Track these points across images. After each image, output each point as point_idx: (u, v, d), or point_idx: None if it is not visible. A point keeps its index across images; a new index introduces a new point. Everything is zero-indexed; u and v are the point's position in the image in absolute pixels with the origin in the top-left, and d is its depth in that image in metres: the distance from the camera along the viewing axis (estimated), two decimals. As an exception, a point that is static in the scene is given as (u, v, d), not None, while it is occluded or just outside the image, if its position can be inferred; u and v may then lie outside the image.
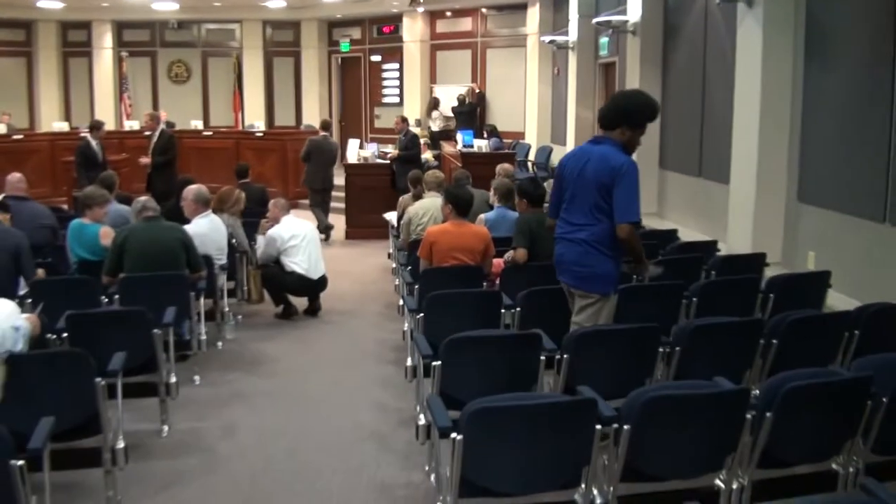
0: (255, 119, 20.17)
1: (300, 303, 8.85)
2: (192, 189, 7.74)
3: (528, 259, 6.58)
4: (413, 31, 20.39)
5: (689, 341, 4.74)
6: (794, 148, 8.03)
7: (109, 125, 19.85)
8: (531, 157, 16.66)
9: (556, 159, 16.00)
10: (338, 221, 14.66)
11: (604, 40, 14.00)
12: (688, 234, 9.67)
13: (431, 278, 6.56)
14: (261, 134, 17.95)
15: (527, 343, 4.68)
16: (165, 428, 5.63)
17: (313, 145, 13.63)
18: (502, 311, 5.77)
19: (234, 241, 8.35)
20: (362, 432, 5.70)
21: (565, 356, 4.62)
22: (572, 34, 14.79)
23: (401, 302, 8.04)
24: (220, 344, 7.63)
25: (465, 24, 20.03)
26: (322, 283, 8.75)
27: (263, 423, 5.87)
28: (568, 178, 5.19)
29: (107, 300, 6.28)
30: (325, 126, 14.47)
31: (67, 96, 22.68)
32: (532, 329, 4.88)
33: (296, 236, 8.48)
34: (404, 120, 14.19)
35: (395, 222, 10.99)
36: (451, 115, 19.49)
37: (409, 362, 6.15)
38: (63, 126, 19.14)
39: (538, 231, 6.64)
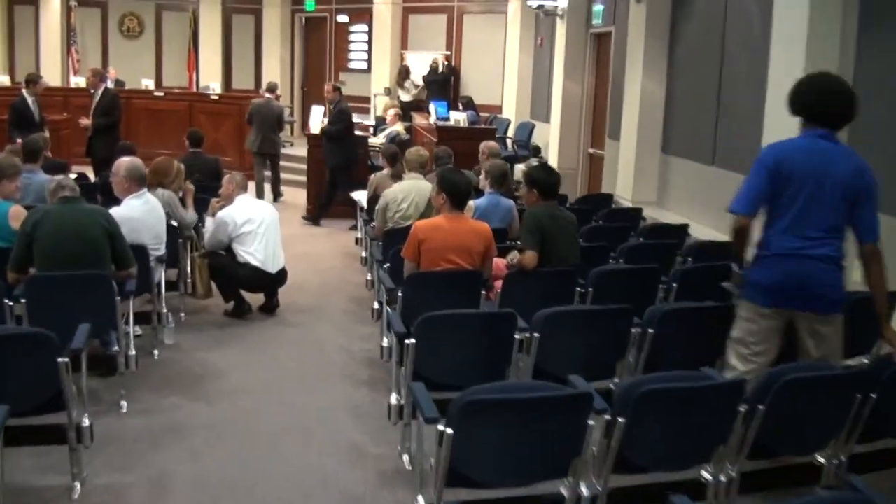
0: (210, 81, 18.68)
1: (255, 298, 7.54)
2: (123, 163, 6.30)
3: (538, 263, 5.37)
4: (385, -8, 18.98)
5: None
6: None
7: (55, 80, 18.40)
8: (510, 133, 15.37)
9: (539, 137, 14.74)
10: (297, 197, 13.39)
11: (598, 8, 12.74)
12: (700, 231, 8.53)
13: (418, 285, 5.33)
14: (216, 97, 16.55)
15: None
16: (77, 485, 4.25)
17: (255, 108, 13.08)
18: (516, 336, 4.53)
19: (173, 222, 7.04)
20: (330, 491, 4.44)
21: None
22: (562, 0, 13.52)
23: (375, 305, 6.82)
24: (156, 352, 6.28)
25: (444, -14, 18.69)
26: (281, 277, 7.45)
27: (204, 472, 4.56)
28: (799, 178, 4.14)
29: (11, 304, 4.92)
30: (271, 88, 13.86)
31: (12, 48, 21.09)
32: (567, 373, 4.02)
33: (251, 221, 7.16)
34: (336, 89, 12.63)
35: (364, 203, 9.72)
36: (422, 84, 18.17)
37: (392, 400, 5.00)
38: (4, 80, 17.64)
39: (551, 229, 5.46)
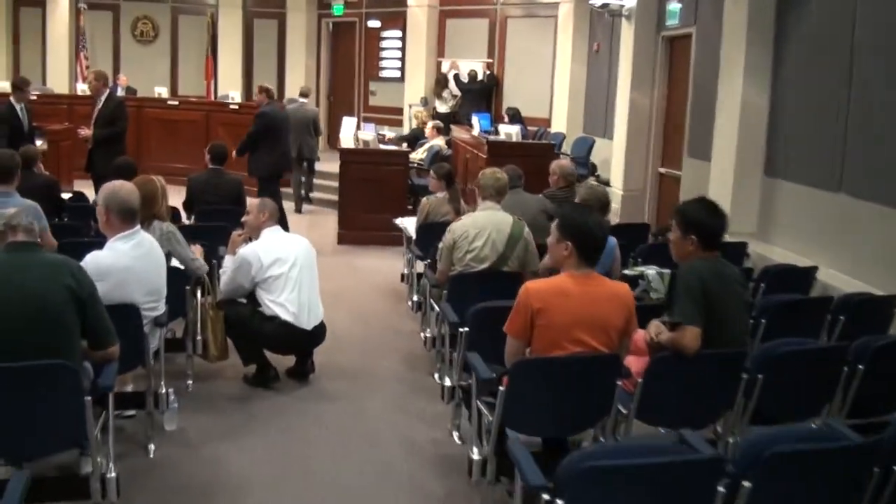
0: (230, 89, 17.11)
1: (283, 360, 5.89)
2: (107, 189, 4.53)
3: (702, 344, 3.71)
4: (420, -6, 17.37)
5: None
6: None
7: (62, 87, 16.86)
8: (566, 149, 13.69)
9: (598, 154, 13.07)
10: (327, 219, 11.82)
11: (674, 7, 11.07)
12: (827, 275, 6.89)
13: (526, 377, 3.66)
14: (236, 107, 14.94)
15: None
16: None
17: (289, 112, 12.30)
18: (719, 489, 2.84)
19: (175, 262, 5.45)
20: None
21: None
22: (630, -1, 11.89)
23: (447, 382, 5.17)
24: (151, 447, 4.62)
25: (485, -13, 17.05)
26: (318, 335, 5.78)
27: None
28: None
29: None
30: (304, 93, 13.78)
31: (17, 52, 19.66)
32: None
33: (281, 261, 5.53)
34: (264, 91, 11.21)
35: (411, 232, 8.11)
36: (459, 94, 16.55)
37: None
38: (6, 86, 16.09)
39: (719, 294, 3.81)
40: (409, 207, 11.37)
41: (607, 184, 12.34)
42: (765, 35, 8.56)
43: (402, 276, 8.48)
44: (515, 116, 14.38)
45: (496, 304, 4.53)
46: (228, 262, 5.68)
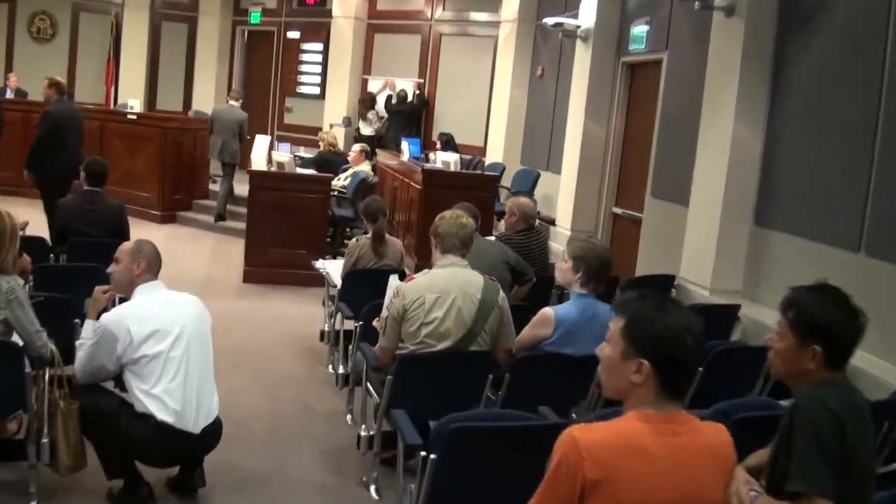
0: (131, 97, 15.36)
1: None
2: None
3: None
4: (346, 5, 15.74)
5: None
6: None
7: None
8: (505, 181, 12.29)
9: (541, 188, 11.69)
10: (231, 254, 10.24)
11: (640, 30, 9.77)
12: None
13: None
14: (134, 116, 13.21)
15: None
16: None
17: (215, 113, 12.48)
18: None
19: (15, 338, 3.88)
20: None
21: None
22: (585, 17, 10.54)
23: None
24: None
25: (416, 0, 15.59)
26: (210, 438, 4.13)
27: None
28: None
29: None
30: (235, 97, 12.81)
31: None
32: None
33: (161, 334, 3.95)
34: (54, 85, 10.01)
35: (335, 279, 6.60)
36: (384, 114, 15.08)
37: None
38: None
39: (860, 444, 2.40)
40: (328, 240, 9.87)
41: (552, 223, 11.00)
42: (761, 63, 7.27)
43: (322, 333, 6.91)
44: (449, 143, 12.96)
45: (479, 425, 3.10)
46: (88, 329, 4.08)
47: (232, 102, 12.59)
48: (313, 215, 9.47)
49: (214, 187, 13.23)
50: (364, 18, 15.84)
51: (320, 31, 16.46)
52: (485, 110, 14.28)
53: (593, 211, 10.57)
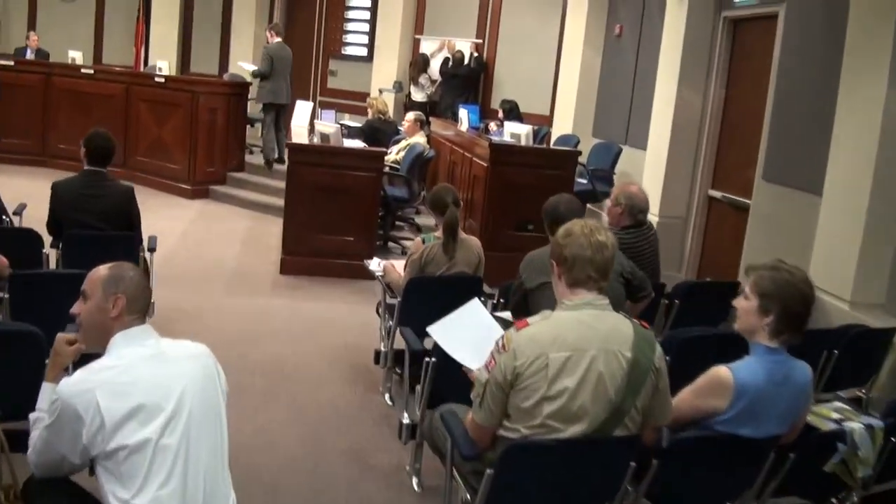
0: (162, 59, 13.98)
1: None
2: None
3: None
4: (397, -43, 14.34)
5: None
6: None
7: None
8: (582, 158, 10.78)
9: (624, 165, 10.18)
10: (268, 237, 8.94)
11: (748, -22, 8.27)
12: None
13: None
14: (161, 80, 11.86)
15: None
16: None
17: (273, 51, 11.37)
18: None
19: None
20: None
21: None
22: (680, -34, 9.03)
23: None
24: None
25: (477, -49, 14.04)
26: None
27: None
28: None
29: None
30: (280, 31, 11.88)
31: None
32: None
33: (148, 412, 2.54)
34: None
35: (394, 285, 5.24)
36: (438, 78, 13.62)
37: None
38: None
39: None
40: (379, 223, 8.52)
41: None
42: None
43: (377, 355, 5.51)
44: (512, 112, 11.47)
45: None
46: (45, 398, 2.73)
47: (278, 39, 11.59)
48: (363, 196, 8.10)
49: (252, 159, 11.95)
50: (416, -28, 14.37)
51: (369, -15, 14.99)
52: (551, 75, 12.77)
53: (685, 193, 9.09)
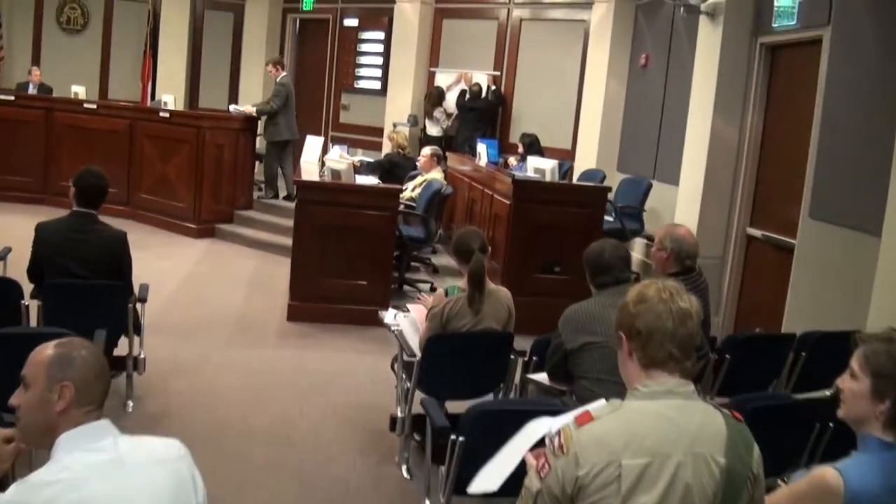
0: (170, 93, 13.48)
1: None
2: None
3: None
4: (411, -13, 13.83)
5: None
6: None
7: None
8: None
9: (652, 201, 9.57)
10: (276, 280, 8.41)
11: (787, 1, 7.68)
12: None
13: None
14: (167, 114, 11.36)
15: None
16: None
17: (287, 87, 11.18)
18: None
19: None
20: None
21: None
22: (714, -11, 8.49)
23: None
24: None
25: (492, -20, 13.51)
26: None
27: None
28: None
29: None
30: (282, 63, 11.80)
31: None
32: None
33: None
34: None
35: (412, 345, 4.63)
36: (454, 111, 13.07)
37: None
38: None
39: None
40: (394, 269, 7.94)
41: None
42: None
43: (393, 421, 4.90)
44: (533, 146, 10.89)
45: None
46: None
47: (284, 73, 11.49)
48: (377, 237, 7.54)
49: (262, 195, 11.49)
50: (431, 2, 13.83)
51: (381, 17, 14.47)
52: (573, 107, 12.19)
53: (721, 232, 8.48)
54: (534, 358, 4.41)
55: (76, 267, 5.01)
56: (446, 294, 4.49)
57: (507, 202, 7.73)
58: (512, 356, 4.48)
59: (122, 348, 5.22)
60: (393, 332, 4.83)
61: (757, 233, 8.12)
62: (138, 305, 5.39)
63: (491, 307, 4.44)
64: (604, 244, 4.04)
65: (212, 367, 6.16)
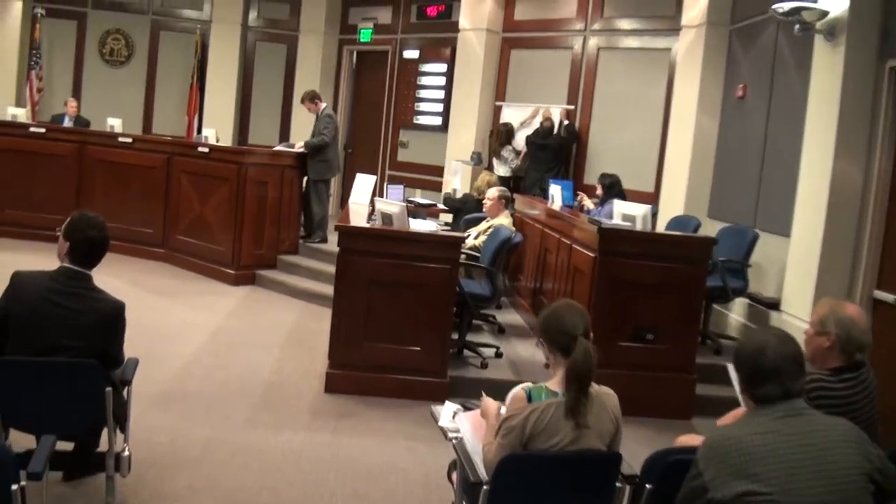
0: (217, 128, 12.43)
1: None
2: None
3: None
4: (476, 15, 12.59)
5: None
6: None
7: (2, 113, 12.34)
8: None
9: (763, 253, 8.16)
10: (316, 335, 7.25)
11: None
12: None
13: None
14: (206, 150, 10.29)
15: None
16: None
17: (334, 120, 10.37)
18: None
19: None
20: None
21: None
22: (829, 4, 7.13)
23: None
24: None
25: (567, 6, 12.24)
26: None
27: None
28: None
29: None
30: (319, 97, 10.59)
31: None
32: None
33: None
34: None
35: (476, 462, 3.30)
36: (523, 149, 11.85)
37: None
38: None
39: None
40: (454, 331, 6.69)
41: (773, 307, 7.60)
42: None
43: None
44: (613, 188, 9.55)
45: None
46: None
47: (325, 104, 10.57)
48: (434, 294, 6.29)
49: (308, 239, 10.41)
50: (498, 31, 12.65)
51: (444, 49, 13.36)
52: (657, 145, 10.87)
53: (842, 292, 7.07)
54: (647, 486, 3.09)
55: (50, 337, 3.81)
56: (528, 399, 3.17)
57: (591, 254, 6.44)
58: (618, 483, 3.18)
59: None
60: (451, 440, 3.53)
61: (888, 297, 6.71)
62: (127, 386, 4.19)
63: (594, 418, 3.12)
64: (766, 337, 2.76)
65: (221, 459, 4.93)
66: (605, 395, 3.23)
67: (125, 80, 15.06)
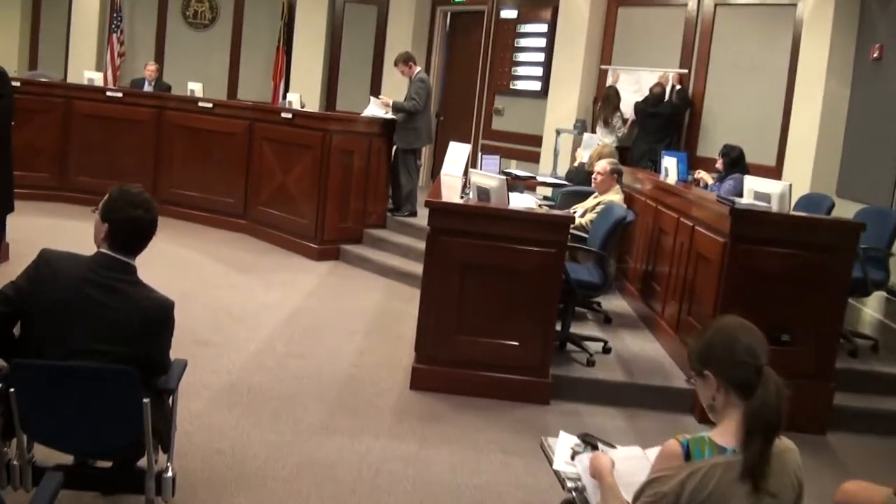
0: (304, 95, 11.86)
1: None
2: None
3: None
4: (580, -29, 11.76)
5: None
6: None
7: (79, 78, 12.09)
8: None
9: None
10: (401, 322, 6.53)
11: None
12: None
13: None
14: (289, 115, 9.63)
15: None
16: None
17: (428, 85, 9.75)
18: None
19: None
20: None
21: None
22: None
23: None
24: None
25: (681, -42, 11.29)
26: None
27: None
28: None
29: None
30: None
31: (35, 32, 15.18)
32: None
33: None
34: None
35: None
36: (631, 116, 10.97)
37: None
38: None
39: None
40: (557, 322, 5.90)
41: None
42: None
43: None
44: (737, 162, 8.58)
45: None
46: None
47: (419, 68, 9.97)
48: (537, 281, 5.49)
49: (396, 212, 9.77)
50: (605, -12, 11.76)
51: (545, 8, 12.45)
52: (779, 113, 9.90)
53: None
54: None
55: (82, 336, 3.12)
56: (686, 455, 2.32)
57: (721, 239, 5.55)
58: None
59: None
60: (569, 490, 2.73)
61: None
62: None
63: (775, 482, 2.29)
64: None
65: (288, 474, 4.21)
66: (787, 450, 2.37)
67: (209, 44, 14.68)
